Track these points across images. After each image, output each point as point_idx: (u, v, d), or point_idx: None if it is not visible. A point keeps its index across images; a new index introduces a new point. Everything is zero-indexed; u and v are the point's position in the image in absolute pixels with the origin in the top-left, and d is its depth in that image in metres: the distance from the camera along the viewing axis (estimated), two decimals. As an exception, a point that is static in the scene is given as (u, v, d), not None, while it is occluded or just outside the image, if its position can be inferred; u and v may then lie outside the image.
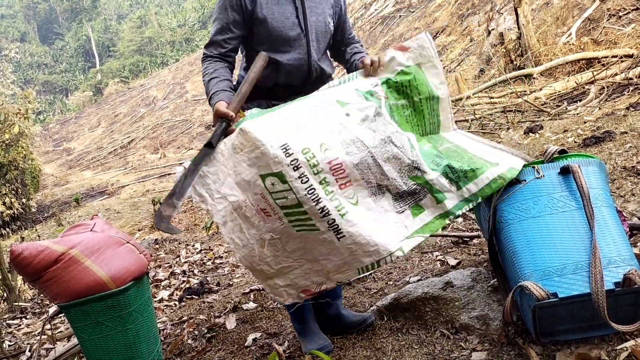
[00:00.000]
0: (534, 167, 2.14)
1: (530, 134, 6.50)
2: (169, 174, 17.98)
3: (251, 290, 3.40)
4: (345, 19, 2.41)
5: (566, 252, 1.89)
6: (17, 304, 4.24)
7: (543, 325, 1.84)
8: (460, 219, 3.70)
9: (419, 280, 2.65)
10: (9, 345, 3.34)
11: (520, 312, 1.95)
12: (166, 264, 4.87)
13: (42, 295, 4.42)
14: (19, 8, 68.30)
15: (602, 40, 10.03)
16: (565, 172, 2.07)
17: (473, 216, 3.60)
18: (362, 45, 2.46)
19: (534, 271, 1.89)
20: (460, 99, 9.60)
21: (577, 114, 6.99)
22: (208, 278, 4.04)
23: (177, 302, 3.65)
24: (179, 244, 5.68)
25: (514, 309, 1.93)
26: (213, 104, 2.06)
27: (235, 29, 2.16)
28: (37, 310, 4.16)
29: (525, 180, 2.10)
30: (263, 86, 2.21)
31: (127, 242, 2.54)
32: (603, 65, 8.84)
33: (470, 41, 15.45)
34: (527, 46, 10.93)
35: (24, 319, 3.99)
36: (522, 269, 1.93)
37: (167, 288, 4.06)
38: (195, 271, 4.42)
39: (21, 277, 3.04)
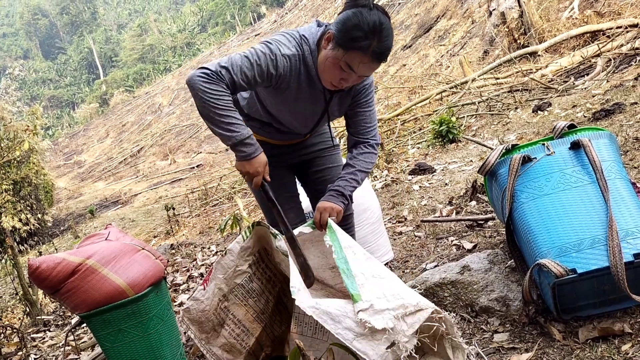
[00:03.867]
0: (544, 144, 2.12)
1: (539, 111, 6.45)
2: (180, 179, 18.09)
3: (269, 288, 3.40)
4: (358, 108, 2.14)
5: (582, 227, 1.87)
6: (39, 317, 4.29)
7: (564, 302, 1.83)
8: (473, 202, 3.67)
9: (435, 266, 2.65)
10: (35, 359, 3.38)
11: (540, 291, 1.93)
12: (183, 268, 4.89)
13: (63, 307, 4.46)
14: (20, 25, 68.93)
15: (605, 12, 9.91)
16: (576, 146, 2.05)
17: (486, 199, 3.58)
18: (366, 160, 2.17)
19: (551, 248, 1.87)
20: (466, 82, 9.54)
21: (585, 88, 6.93)
22: (226, 279, 4.05)
23: (196, 305, 3.66)
24: (195, 247, 5.70)
25: (533, 287, 1.91)
26: (249, 153, 1.89)
27: (257, 82, 1.88)
28: (59, 322, 4.20)
29: (535, 158, 2.08)
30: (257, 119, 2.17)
31: (143, 249, 2.55)
32: (608, 37, 8.74)
33: (472, 23, 15.34)
34: (529, 24, 10.84)
35: (47, 331, 4.03)
36: (538, 247, 1.91)
37: (186, 292, 4.08)
38: (213, 273, 4.44)
39: (41, 290, 3.06)
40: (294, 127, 2.18)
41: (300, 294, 1.73)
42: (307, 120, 2.14)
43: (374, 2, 1.82)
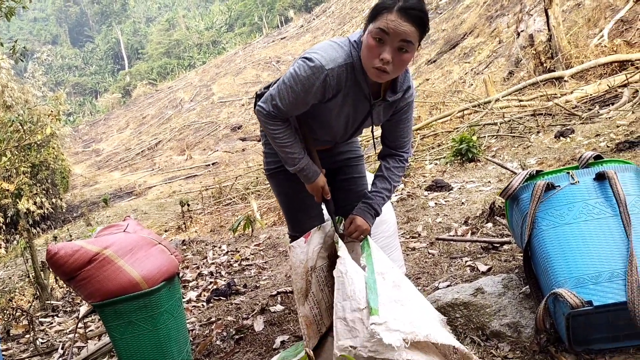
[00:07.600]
0: (568, 173, 2.10)
1: (561, 137, 6.40)
2: (195, 176, 18.19)
3: (278, 293, 3.41)
4: (398, 123, 2.16)
5: (601, 260, 1.86)
6: (49, 302, 4.33)
7: (577, 334, 1.81)
8: (489, 224, 3.65)
9: (448, 286, 2.63)
10: (42, 343, 3.41)
11: (553, 320, 1.92)
12: (193, 265, 4.91)
13: (74, 294, 4.51)
14: (51, 11, 70.05)
15: (635, 42, 9.83)
16: (601, 178, 2.04)
17: (503, 221, 3.56)
18: (399, 174, 2.24)
19: (568, 278, 1.86)
20: (489, 102, 9.50)
21: (610, 117, 6.86)
22: (235, 280, 4.07)
23: (204, 303, 3.68)
24: (206, 245, 5.72)
25: (547, 316, 1.90)
26: (312, 178, 2.10)
27: (307, 105, 1.98)
28: (68, 309, 4.24)
29: (559, 186, 2.07)
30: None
31: (159, 243, 2.57)
32: (637, 67, 8.66)
33: (499, 43, 15.27)
34: (557, 48, 10.77)
35: (55, 317, 4.07)
36: (555, 276, 1.90)
37: (195, 289, 4.10)
38: (223, 272, 4.46)
39: (56, 276, 3.10)
40: (328, 136, 2.18)
41: (344, 259, 1.89)
42: (347, 128, 2.14)
43: None
